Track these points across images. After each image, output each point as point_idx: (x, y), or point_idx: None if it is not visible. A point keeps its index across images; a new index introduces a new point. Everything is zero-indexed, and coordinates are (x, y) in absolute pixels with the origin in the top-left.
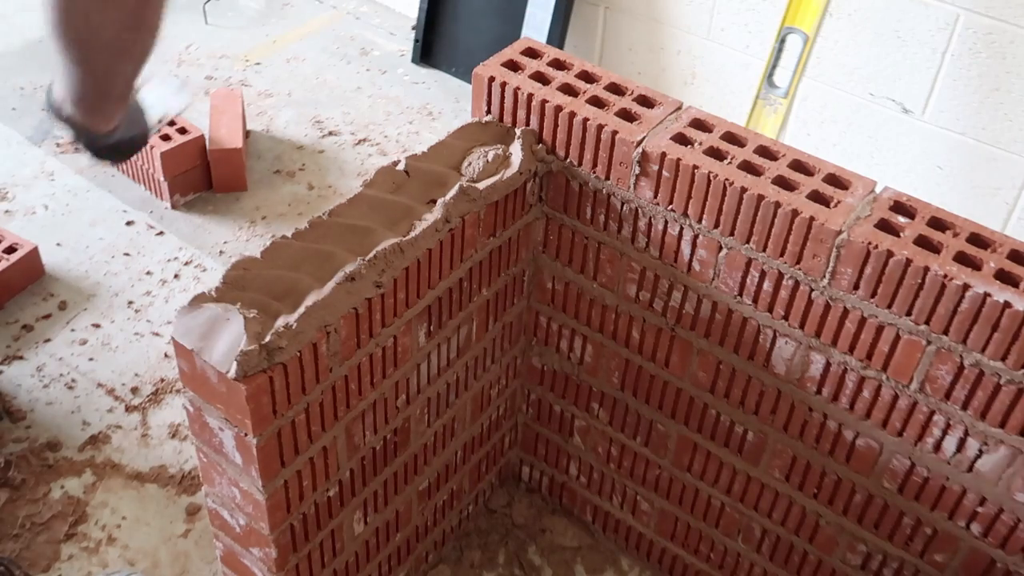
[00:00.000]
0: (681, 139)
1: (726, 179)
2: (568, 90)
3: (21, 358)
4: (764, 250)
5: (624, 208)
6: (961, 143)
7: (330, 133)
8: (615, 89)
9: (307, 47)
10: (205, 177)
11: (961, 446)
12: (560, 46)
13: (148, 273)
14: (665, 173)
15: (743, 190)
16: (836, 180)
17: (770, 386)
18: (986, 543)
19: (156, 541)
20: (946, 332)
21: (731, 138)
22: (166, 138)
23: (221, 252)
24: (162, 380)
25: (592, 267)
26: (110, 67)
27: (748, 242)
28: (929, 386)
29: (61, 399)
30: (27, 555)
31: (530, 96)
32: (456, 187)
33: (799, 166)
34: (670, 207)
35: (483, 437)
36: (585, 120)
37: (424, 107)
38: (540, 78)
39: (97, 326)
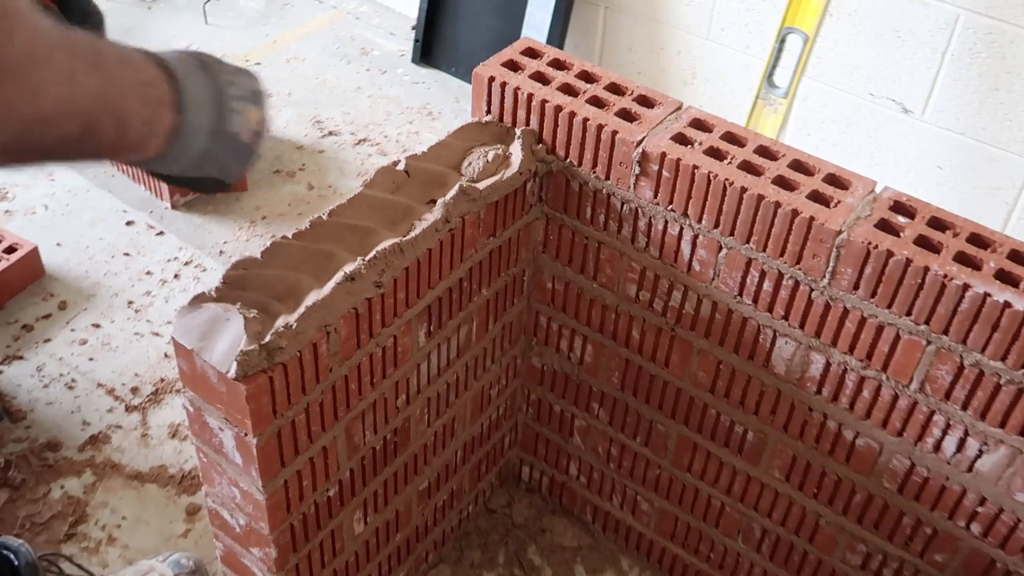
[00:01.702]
0: (681, 139)
1: (726, 179)
2: (568, 90)
3: (21, 358)
4: (764, 250)
5: (624, 208)
6: (961, 143)
7: (330, 133)
8: (615, 89)
9: (307, 47)
10: None
11: (961, 446)
12: (560, 46)
13: (148, 273)
14: (665, 173)
15: (743, 190)
16: (836, 180)
17: (770, 386)
18: (986, 543)
19: (156, 541)
20: (946, 332)
21: (731, 138)
22: None
23: (221, 252)
24: (162, 380)
25: (592, 267)
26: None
27: (748, 242)
28: (929, 386)
29: (61, 399)
30: None
31: (530, 96)
32: (456, 187)
33: (799, 166)
34: (670, 207)
35: (483, 437)
36: (585, 120)
37: (424, 107)
38: (540, 78)
39: (97, 326)
